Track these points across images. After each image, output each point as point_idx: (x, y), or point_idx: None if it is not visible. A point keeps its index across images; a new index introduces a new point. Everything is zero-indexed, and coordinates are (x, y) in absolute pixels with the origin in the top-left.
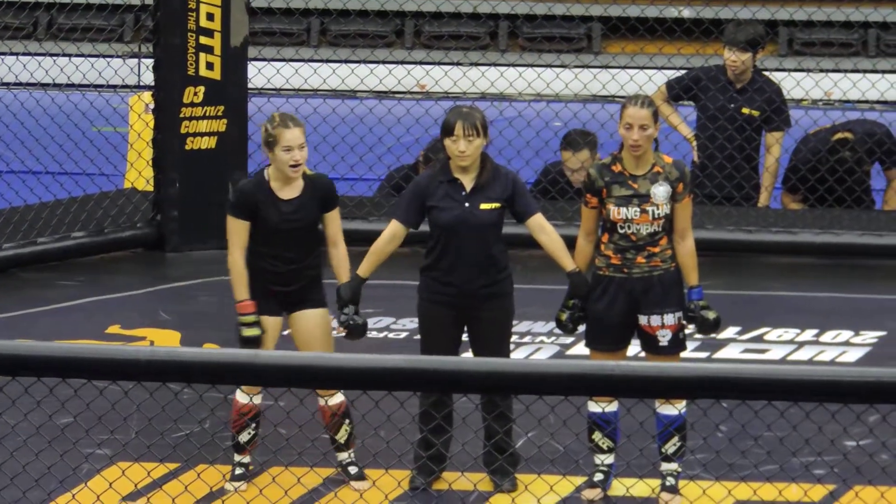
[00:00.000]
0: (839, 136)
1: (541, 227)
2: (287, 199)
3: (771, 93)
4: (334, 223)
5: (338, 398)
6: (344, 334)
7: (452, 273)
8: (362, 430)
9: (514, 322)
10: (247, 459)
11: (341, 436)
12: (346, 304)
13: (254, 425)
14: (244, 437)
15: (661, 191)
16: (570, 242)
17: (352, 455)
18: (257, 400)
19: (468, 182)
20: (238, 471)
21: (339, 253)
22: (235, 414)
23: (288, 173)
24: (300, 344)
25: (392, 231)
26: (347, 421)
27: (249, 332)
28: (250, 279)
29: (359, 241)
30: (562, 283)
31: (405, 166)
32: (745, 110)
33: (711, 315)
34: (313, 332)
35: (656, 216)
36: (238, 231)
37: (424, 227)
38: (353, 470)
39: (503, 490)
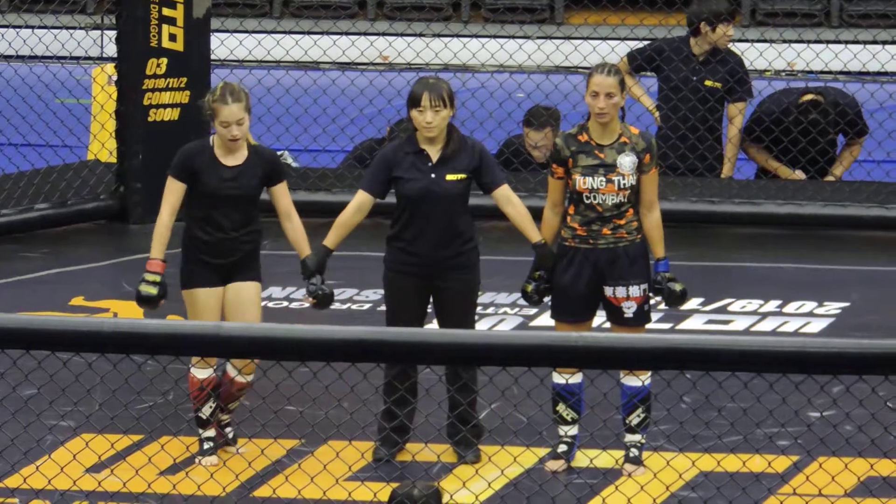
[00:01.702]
0: (809, 97)
1: (507, 198)
2: (229, 166)
3: (733, 64)
4: (284, 197)
5: (250, 378)
6: (311, 304)
7: (418, 243)
8: (326, 401)
9: (479, 293)
10: (212, 433)
11: (234, 406)
12: (312, 275)
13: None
14: (206, 412)
15: (627, 161)
16: (533, 214)
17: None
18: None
19: (434, 153)
20: (206, 445)
21: (294, 226)
22: (194, 390)
23: (228, 145)
24: (228, 315)
25: (358, 202)
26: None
27: (144, 288)
28: (187, 249)
29: (322, 213)
30: (525, 255)
31: (370, 139)
32: (708, 82)
33: (678, 287)
34: (243, 305)
35: (622, 186)
36: (172, 191)
37: (390, 199)
38: (229, 431)
39: (467, 461)
